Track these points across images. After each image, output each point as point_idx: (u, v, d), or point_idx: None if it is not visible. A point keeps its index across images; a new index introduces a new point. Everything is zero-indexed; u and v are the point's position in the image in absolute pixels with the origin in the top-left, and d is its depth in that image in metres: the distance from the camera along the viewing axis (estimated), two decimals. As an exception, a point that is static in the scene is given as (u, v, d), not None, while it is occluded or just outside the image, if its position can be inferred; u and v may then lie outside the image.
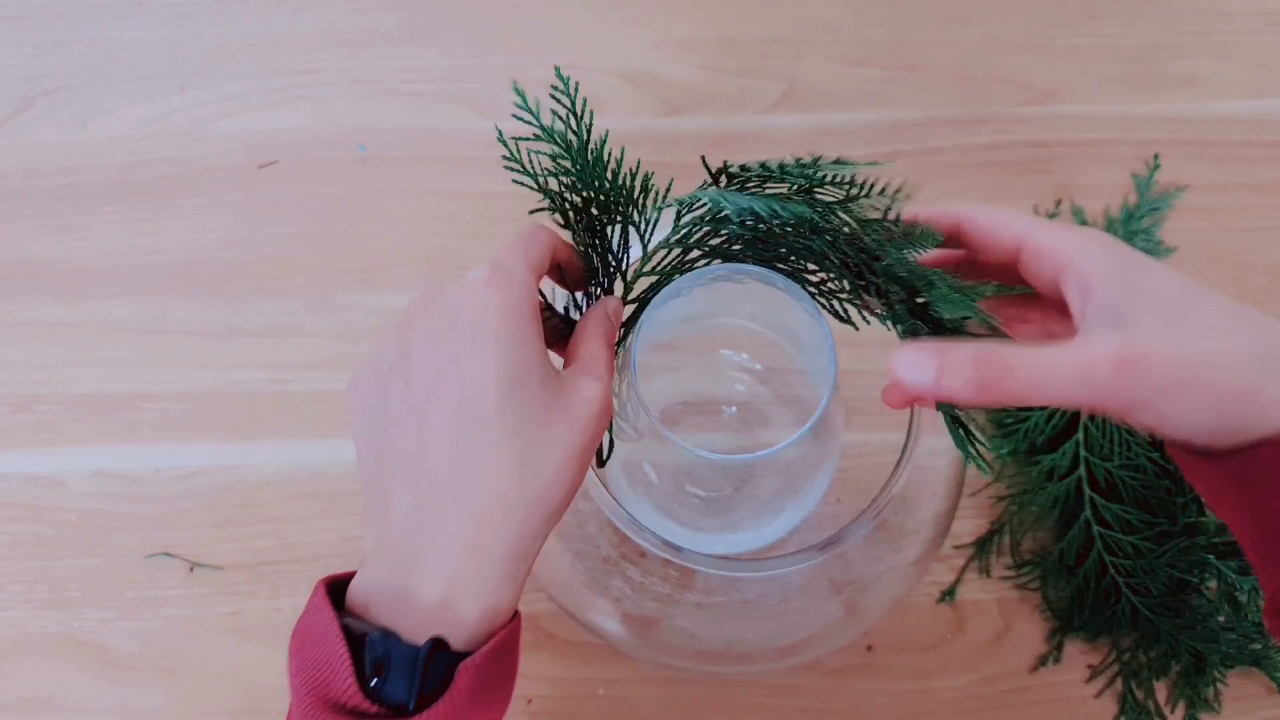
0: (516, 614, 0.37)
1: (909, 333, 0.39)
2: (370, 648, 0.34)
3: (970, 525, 0.58)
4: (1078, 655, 0.56)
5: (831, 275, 0.41)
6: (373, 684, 0.33)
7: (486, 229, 0.64)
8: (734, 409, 0.56)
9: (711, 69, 0.68)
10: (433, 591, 0.35)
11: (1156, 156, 0.65)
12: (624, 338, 0.43)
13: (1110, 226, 0.63)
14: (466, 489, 0.35)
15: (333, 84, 0.67)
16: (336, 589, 0.37)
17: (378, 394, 0.37)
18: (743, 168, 0.41)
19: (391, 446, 0.36)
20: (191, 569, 0.57)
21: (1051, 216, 0.64)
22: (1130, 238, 0.62)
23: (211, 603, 0.57)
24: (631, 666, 0.55)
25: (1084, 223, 0.63)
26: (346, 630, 0.34)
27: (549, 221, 0.42)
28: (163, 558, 0.57)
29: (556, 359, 0.41)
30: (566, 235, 0.42)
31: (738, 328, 0.51)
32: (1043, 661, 0.55)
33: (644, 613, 0.47)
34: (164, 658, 0.56)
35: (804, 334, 0.47)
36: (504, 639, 0.35)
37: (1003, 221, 0.39)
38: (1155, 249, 0.63)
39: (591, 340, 0.40)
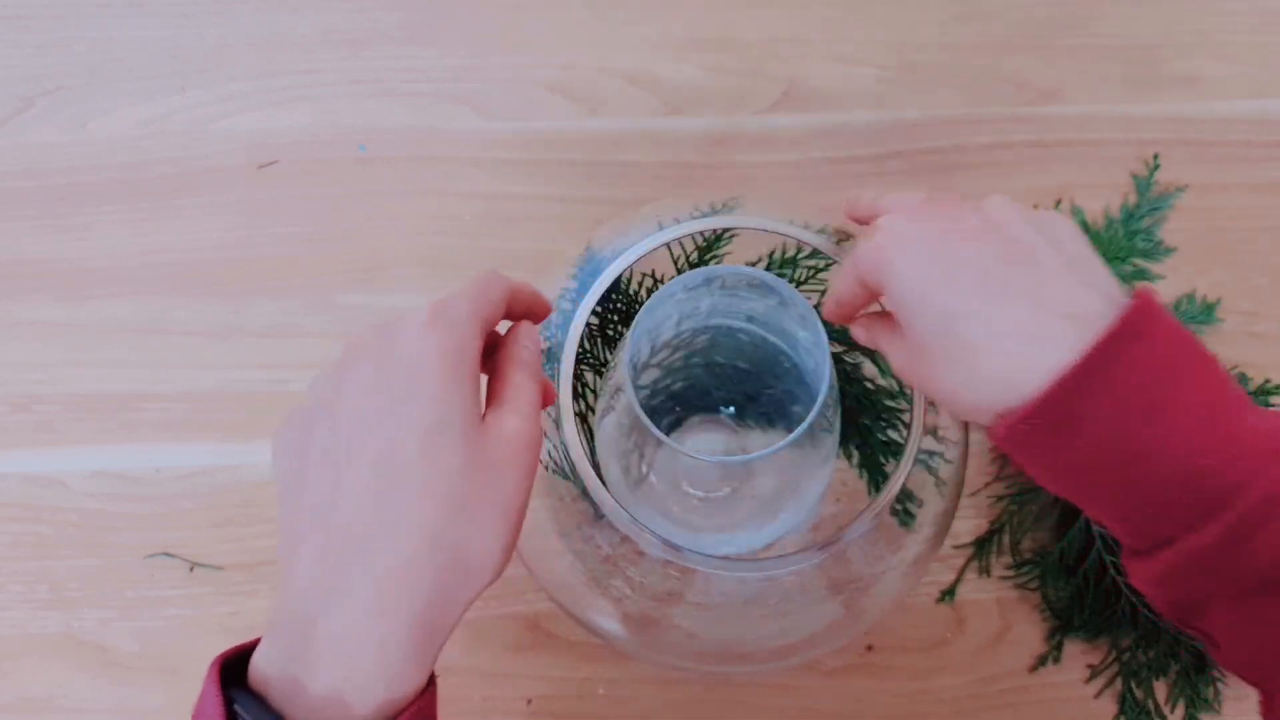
0: (430, 684, 0.34)
1: None
2: None
3: (970, 525, 0.58)
4: (1077, 655, 0.56)
5: None
6: None
7: (486, 229, 0.64)
8: (732, 410, 0.56)
9: (711, 69, 0.68)
10: (327, 672, 0.32)
11: (1156, 156, 0.65)
12: (612, 353, 0.43)
13: (1110, 226, 0.63)
14: (374, 550, 0.33)
15: (333, 84, 0.67)
16: (241, 662, 0.34)
17: (302, 439, 0.35)
18: None
19: (305, 499, 0.34)
20: (191, 569, 0.57)
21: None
22: (1130, 238, 0.63)
23: (211, 603, 0.57)
24: (631, 666, 0.55)
25: (1084, 224, 0.63)
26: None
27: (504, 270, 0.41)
28: (163, 558, 0.57)
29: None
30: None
31: (735, 328, 0.51)
32: (1042, 661, 0.55)
33: (644, 613, 0.47)
34: (164, 658, 0.56)
35: (800, 334, 0.47)
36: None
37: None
38: (1155, 249, 0.63)
39: (509, 372, 0.38)
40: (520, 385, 0.37)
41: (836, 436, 0.49)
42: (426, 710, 0.33)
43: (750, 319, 0.50)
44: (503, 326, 0.40)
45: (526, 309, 0.41)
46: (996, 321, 0.36)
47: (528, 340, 0.40)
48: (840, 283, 0.41)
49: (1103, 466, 0.35)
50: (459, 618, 0.34)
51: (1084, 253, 0.38)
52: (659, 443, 0.43)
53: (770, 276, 0.42)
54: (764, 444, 0.53)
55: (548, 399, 0.42)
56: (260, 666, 0.33)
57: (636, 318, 0.43)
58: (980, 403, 0.36)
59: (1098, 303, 0.35)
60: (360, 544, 0.33)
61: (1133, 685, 0.55)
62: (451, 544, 0.33)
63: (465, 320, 0.36)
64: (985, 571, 0.57)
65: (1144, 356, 0.34)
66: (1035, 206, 0.64)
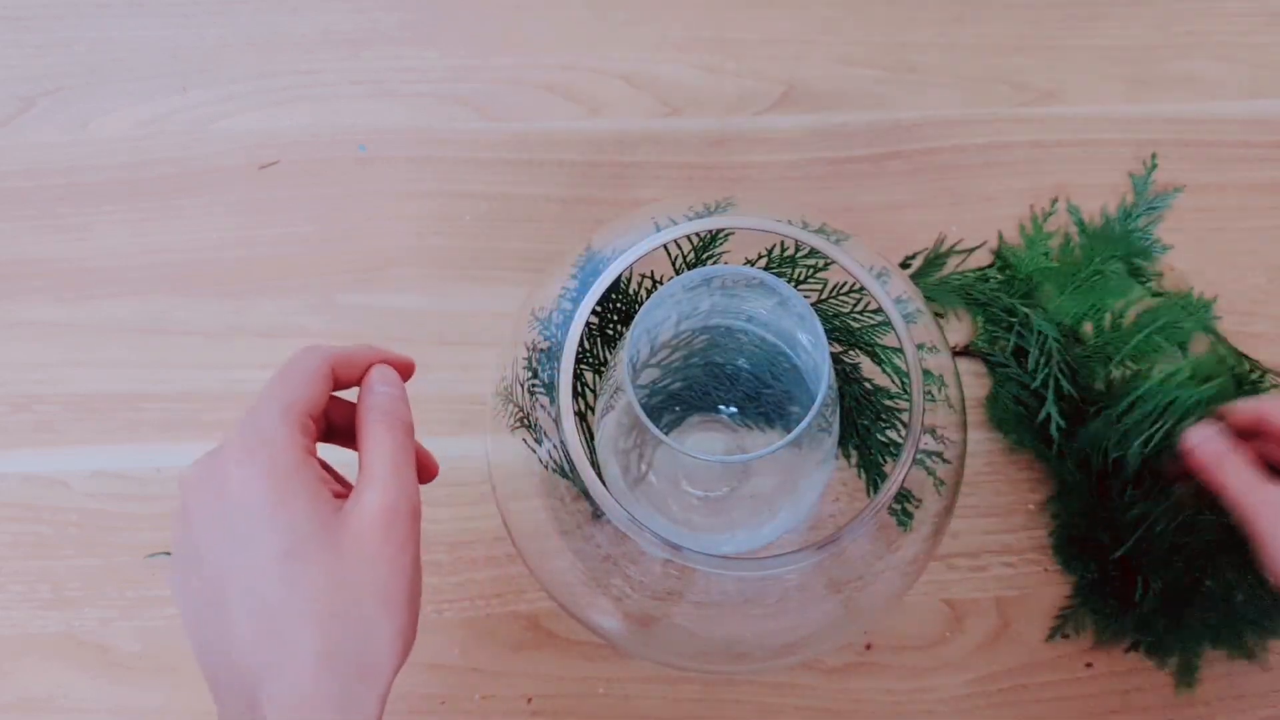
0: None
1: None
2: None
3: (969, 523, 0.58)
4: (1077, 655, 0.56)
5: None
6: None
7: (486, 229, 0.64)
8: (732, 409, 0.56)
9: (711, 69, 0.68)
10: None
11: (1154, 156, 0.65)
12: (613, 343, 0.43)
13: (1108, 226, 0.63)
14: (273, 689, 0.33)
15: (333, 84, 0.67)
16: None
17: (184, 589, 0.36)
18: None
19: (210, 649, 0.35)
20: (192, 568, 0.57)
21: (1048, 216, 0.64)
22: (1127, 237, 0.63)
23: (212, 602, 0.57)
24: (631, 665, 0.55)
25: (1081, 223, 0.64)
26: None
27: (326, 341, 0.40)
28: (164, 557, 0.58)
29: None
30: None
31: (734, 328, 0.51)
32: (1052, 635, 0.55)
33: (643, 612, 0.48)
34: (165, 657, 0.56)
35: (799, 334, 0.47)
36: None
37: None
38: (1153, 248, 0.63)
39: (362, 435, 0.37)
40: (373, 449, 0.37)
41: (835, 436, 0.50)
42: None
43: (750, 319, 0.50)
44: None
45: (365, 369, 0.40)
46: None
47: (379, 385, 0.39)
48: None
49: None
50: (384, 702, 0.35)
51: None
52: (658, 442, 0.43)
53: (769, 276, 0.42)
54: (763, 444, 0.54)
55: (425, 469, 0.41)
56: None
57: (636, 317, 0.43)
58: None
59: None
60: (259, 685, 0.34)
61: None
62: (345, 654, 0.34)
63: (276, 427, 0.36)
64: (984, 569, 0.57)
65: None
66: (1031, 206, 0.64)
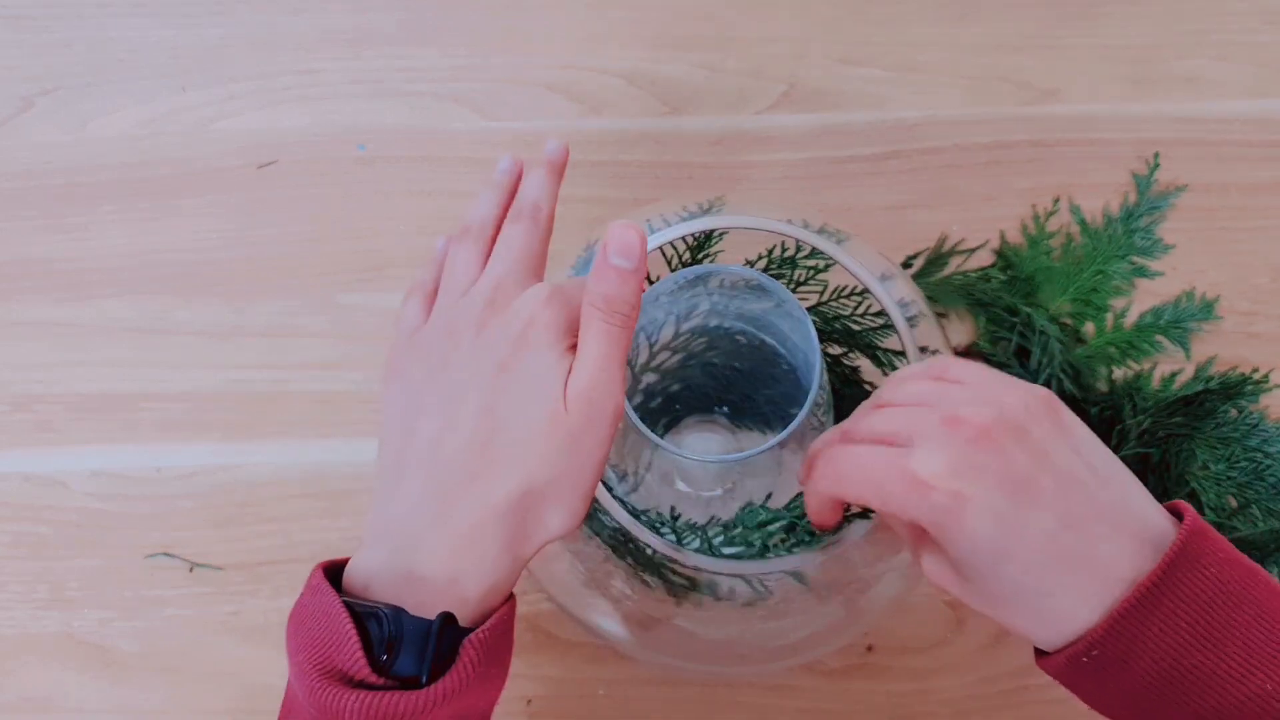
0: (512, 595, 0.39)
1: None
2: (379, 623, 0.35)
3: (970, 525, 0.58)
4: (1077, 655, 0.56)
5: None
6: (383, 659, 0.34)
7: (486, 229, 0.64)
8: (726, 409, 0.56)
9: (711, 69, 0.68)
10: (438, 571, 0.36)
11: (1156, 155, 0.65)
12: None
13: (1110, 225, 0.63)
14: (479, 486, 0.37)
15: (333, 84, 0.67)
16: (332, 573, 0.38)
17: (417, 379, 0.40)
18: None
19: (416, 436, 0.38)
20: (191, 569, 0.57)
21: (1050, 215, 0.64)
22: (1129, 236, 0.63)
23: (211, 602, 0.57)
24: (632, 667, 0.55)
25: (1082, 221, 0.64)
26: (349, 608, 0.35)
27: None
28: (163, 558, 0.58)
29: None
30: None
31: (732, 330, 0.51)
32: None
33: (644, 613, 0.47)
34: (164, 657, 0.56)
35: (792, 333, 0.47)
36: (504, 615, 0.37)
37: None
38: (1154, 247, 0.63)
39: (584, 321, 0.39)
40: (587, 331, 0.38)
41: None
42: (510, 616, 0.38)
43: (748, 321, 0.50)
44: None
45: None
46: (1052, 574, 0.37)
47: (599, 280, 0.38)
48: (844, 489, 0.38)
49: (1160, 694, 0.36)
50: (533, 554, 0.38)
51: (1115, 471, 0.38)
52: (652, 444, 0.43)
53: (764, 277, 0.42)
54: (760, 441, 0.53)
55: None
56: (363, 571, 0.37)
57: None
58: (1029, 634, 0.40)
59: (1147, 528, 0.36)
60: (467, 478, 0.37)
61: None
62: (540, 492, 0.37)
63: (579, 303, 0.39)
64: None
65: (1198, 583, 0.35)
66: (1033, 206, 0.64)
